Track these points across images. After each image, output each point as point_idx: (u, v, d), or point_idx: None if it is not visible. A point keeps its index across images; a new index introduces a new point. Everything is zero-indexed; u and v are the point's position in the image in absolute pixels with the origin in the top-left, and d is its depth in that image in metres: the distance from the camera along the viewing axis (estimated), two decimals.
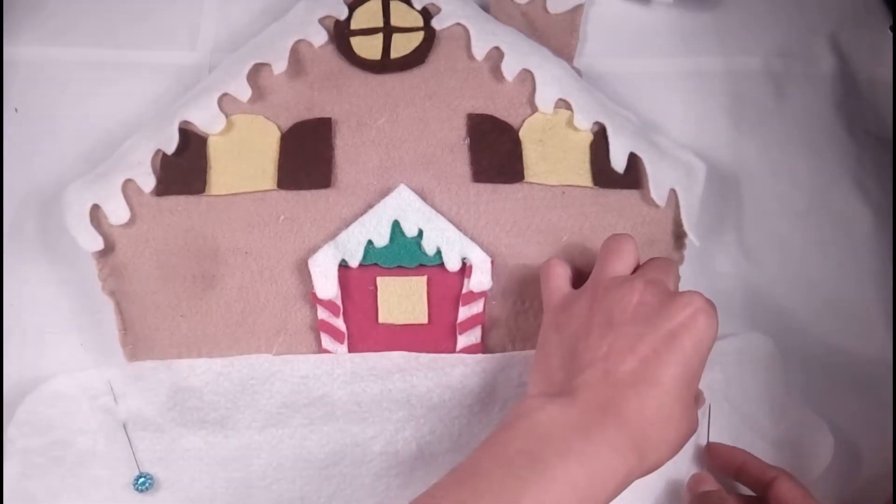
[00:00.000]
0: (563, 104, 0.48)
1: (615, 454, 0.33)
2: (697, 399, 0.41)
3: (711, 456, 0.42)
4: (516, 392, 0.43)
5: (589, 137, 0.47)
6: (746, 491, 0.42)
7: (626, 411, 0.34)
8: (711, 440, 0.43)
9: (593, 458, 0.33)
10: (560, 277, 0.41)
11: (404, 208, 0.45)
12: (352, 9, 0.50)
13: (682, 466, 0.43)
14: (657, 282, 0.38)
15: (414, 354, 0.43)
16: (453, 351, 0.44)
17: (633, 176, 0.47)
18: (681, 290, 0.45)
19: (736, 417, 0.44)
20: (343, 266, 0.44)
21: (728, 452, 0.42)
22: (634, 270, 0.40)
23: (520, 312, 0.44)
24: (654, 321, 0.36)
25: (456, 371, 0.43)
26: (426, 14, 0.50)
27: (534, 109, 0.48)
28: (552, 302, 0.41)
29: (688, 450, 0.42)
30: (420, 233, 0.44)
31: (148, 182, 0.45)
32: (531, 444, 0.33)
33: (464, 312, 0.44)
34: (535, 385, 0.38)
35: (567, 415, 0.34)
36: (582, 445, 0.33)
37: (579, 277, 0.42)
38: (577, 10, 0.53)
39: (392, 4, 0.51)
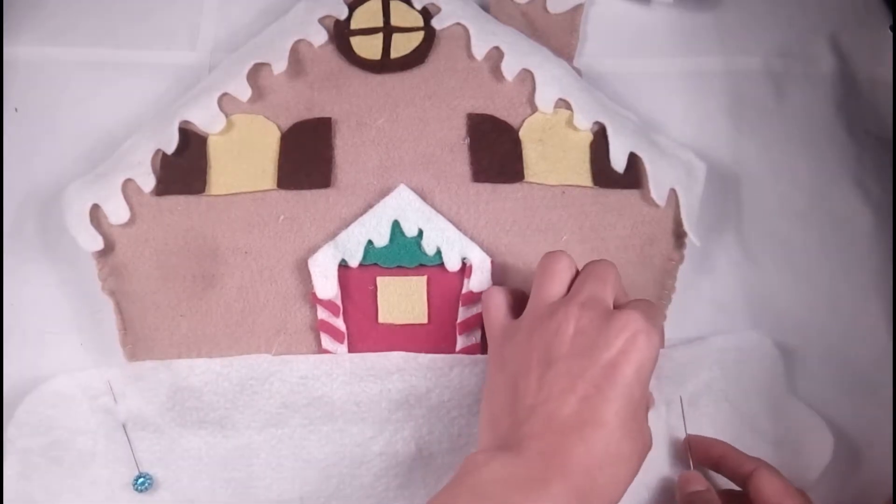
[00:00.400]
0: (563, 104, 0.48)
1: None
2: (647, 406, 0.41)
3: (691, 449, 0.42)
4: None
5: (589, 137, 0.47)
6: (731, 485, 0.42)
7: (571, 459, 0.33)
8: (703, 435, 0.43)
9: None
10: (499, 308, 0.41)
11: (404, 208, 0.45)
12: (352, 9, 0.51)
13: (663, 465, 0.43)
14: (592, 302, 0.37)
15: (412, 354, 0.43)
16: (453, 351, 0.43)
17: (633, 175, 0.47)
18: (676, 289, 0.46)
19: (736, 417, 0.44)
20: (343, 266, 0.44)
21: (706, 444, 0.42)
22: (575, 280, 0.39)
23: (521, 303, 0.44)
24: (592, 352, 0.35)
25: (454, 371, 0.43)
26: (426, 14, 0.50)
27: (534, 109, 0.48)
28: (492, 335, 0.40)
29: (668, 448, 0.43)
30: (420, 233, 0.44)
31: (148, 182, 0.45)
32: (474, 503, 0.33)
33: (464, 312, 0.44)
34: (483, 433, 0.38)
35: (510, 471, 0.34)
36: (525, 502, 0.32)
37: (523, 303, 0.41)
38: (577, 10, 0.53)
39: (392, 4, 0.51)
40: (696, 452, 0.42)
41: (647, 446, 0.36)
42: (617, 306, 0.38)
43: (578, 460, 0.33)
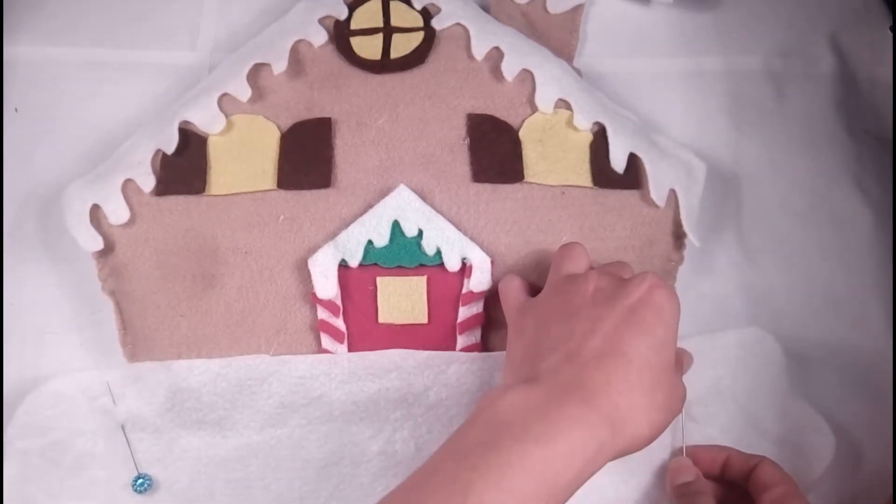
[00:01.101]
0: (563, 104, 0.48)
1: (580, 430, 0.33)
2: (682, 362, 0.41)
3: (694, 459, 0.42)
4: None
5: (589, 137, 0.47)
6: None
7: (589, 386, 0.34)
8: (718, 439, 0.43)
9: (555, 437, 0.32)
10: (518, 289, 0.42)
11: (404, 208, 0.45)
12: (352, 9, 0.50)
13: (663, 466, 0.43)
14: (610, 272, 0.39)
15: (410, 352, 0.43)
16: (453, 350, 0.43)
17: (633, 176, 0.47)
18: (676, 289, 0.46)
19: (741, 417, 0.44)
20: (343, 266, 0.44)
21: (711, 452, 0.42)
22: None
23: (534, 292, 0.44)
24: (612, 302, 0.36)
25: (452, 369, 0.43)
26: (426, 14, 0.50)
27: (534, 109, 0.48)
28: (511, 312, 0.41)
29: (671, 451, 0.43)
30: (420, 233, 0.44)
31: (148, 182, 0.45)
32: (489, 433, 0.33)
33: (464, 312, 0.44)
34: (503, 381, 0.39)
35: (528, 399, 0.34)
36: (542, 426, 0.33)
37: (538, 291, 0.42)
38: (577, 10, 0.53)
39: (392, 4, 0.51)
40: (703, 463, 0.42)
41: (676, 390, 0.37)
42: None
43: (597, 387, 0.34)
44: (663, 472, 0.42)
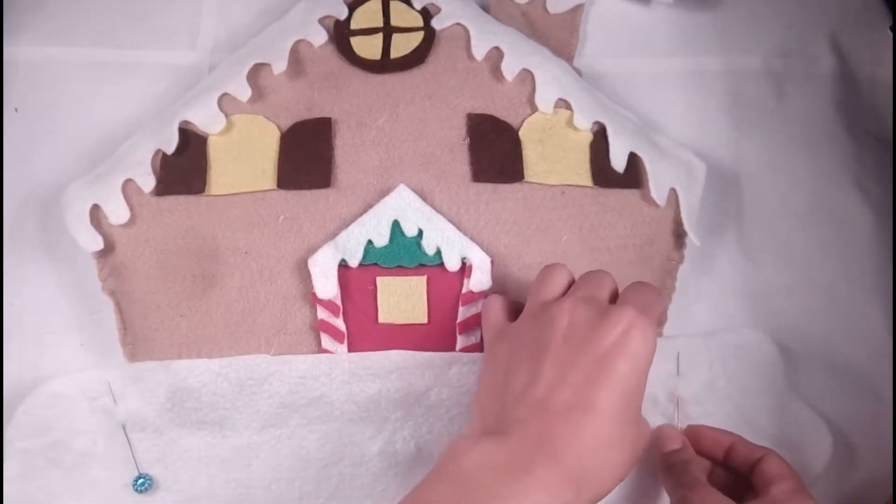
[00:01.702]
0: (563, 104, 0.48)
1: (545, 493, 0.32)
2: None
3: (698, 439, 0.42)
4: None
5: (589, 137, 0.47)
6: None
7: (559, 443, 0.33)
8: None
9: (520, 501, 0.32)
10: (497, 311, 0.41)
11: (404, 208, 0.45)
12: (352, 9, 0.50)
13: None
14: (587, 298, 0.37)
15: (411, 353, 0.43)
16: (453, 350, 0.43)
17: (633, 175, 0.47)
18: (676, 289, 0.46)
19: (737, 416, 0.44)
20: (343, 266, 0.44)
21: (715, 435, 0.42)
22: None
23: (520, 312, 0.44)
24: (585, 344, 0.35)
25: (453, 370, 0.43)
26: (426, 14, 0.50)
27: (534, 109, 0.48)
28: (489, 335, 0.41)
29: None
30: (420, 232, 0.44)
31: (148, 182, 0.45)
32: (453, 493, 0.32)
33: (464, 312, 0.44)
34: (472, 421, 0.37)
35: (495, 456, 0.33)
36: (508, 489, 0.32)
37: (521, 310, 0.40)
38: (577, 10, 0.53)
39: (392, 4, 0.51)
40: (704, 442, 0.42)
41: (642, 437, 0.35)
42: (621, 294, 0.38)
43: (566, 444, 0.33)
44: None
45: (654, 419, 0.44)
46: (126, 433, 0.42)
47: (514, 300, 0.42)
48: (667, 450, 0.41)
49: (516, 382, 0.35)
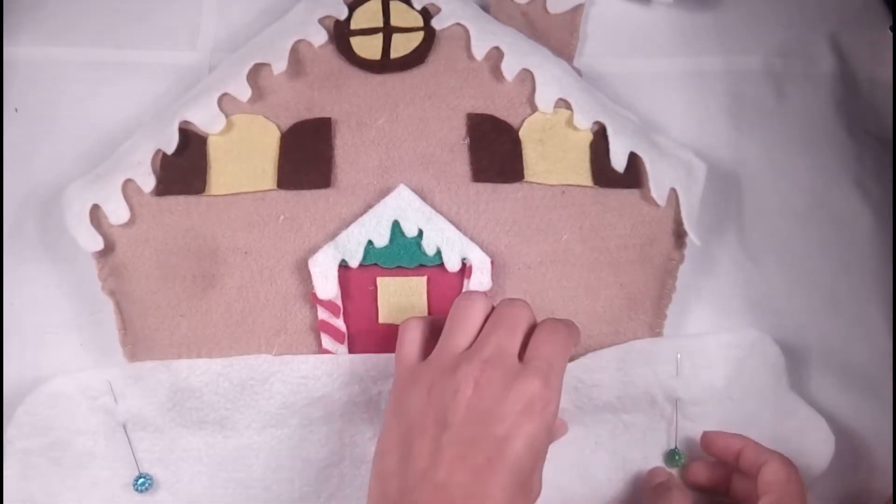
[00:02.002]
0: (563, 104, 0.48)
1: None
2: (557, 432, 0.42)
3: (709, 443, 0.42)
4: None
5: (589, 137, 0.47)
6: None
7: None
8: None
9: None
10: (411, 344, 0.39)
11: (404, 208, 0.45)
12: (352, 9, 0.50)
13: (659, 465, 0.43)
14: (496, 358, 0.36)
15: None
16: None
17: (634, 175, 0.47)
18: (677, 288, 0.46)
19: (738, 416, 0.44)
20: (343, 266, 0.44)
21: (726, 440, 0.42)
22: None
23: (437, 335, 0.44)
24: (487, 422, 0.34)
25: None
26: (426, 14, 0.50)
27: (534, 109, 0.48)
28: (398, 374, 0.39)
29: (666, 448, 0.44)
30: (420, 233, 0.44)
31: (148, 182, 0.45)
32: None
33: None
34: (373, 486, 0.37)
35: None
36: None
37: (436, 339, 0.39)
38: (577, 10, 0.53)
39: (392, 4, 0.51)
40: (714, 446, 0.42)
41: (534, 496, 0.36)
42: (532, 339, 0.37)
43: None
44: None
45: (653, 420, 0.44)
46: (126, 433, 0.42)
47: (435, 320, 0.40)
48: (657, 482, 0.41)
49: (419, 459, 0.35)
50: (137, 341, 0.44)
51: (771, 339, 0.45)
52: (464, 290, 0.44)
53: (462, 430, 0.35)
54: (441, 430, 0.35)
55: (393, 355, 0.42)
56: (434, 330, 0.40)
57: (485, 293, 0.38)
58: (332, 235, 0.44)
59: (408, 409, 0.36)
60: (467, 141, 0.47)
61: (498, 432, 0.34)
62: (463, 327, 0.38)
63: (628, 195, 0.47)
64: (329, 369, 0.42)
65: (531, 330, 0.38)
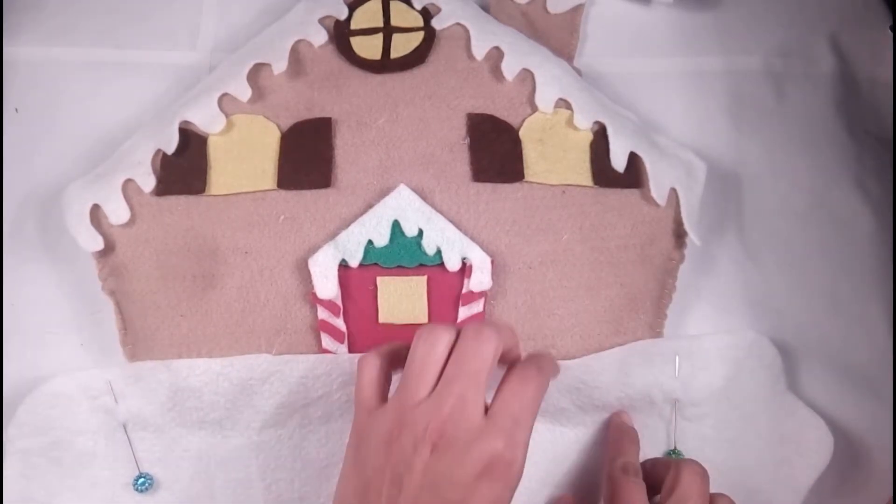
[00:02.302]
0: (563, 104, 0.48)
1: None
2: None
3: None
4: None
5: (589, 137, 0.47)
6: None
7: None
8: (712, 439, 0.43)
9: None
10: (370, 384, 0.37)
11: (404, 208, 0.45)
12: (352, 9, 0.50)
13: None
14: (457, 416, 0.34)
15: None
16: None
17: (634, 175, 0.47)
18: (677, 288, 0.46)
19: (736, 417, 0.44)
20: (343, 266, 0.44)
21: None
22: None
23: (520, 312, 0.44)
24: (444, 488, 0.33)
25: None
26: (426, 14, 0.50)
27: (534, 109, 0.48)
28: (357, 419, 0.37)
29: (664, 449, 0.44)
30: (420, 232, 0.44)
31: (148, 182, 0.45)
32: None
33: (464, 312, 0.44)
34: None
35: None
36: None
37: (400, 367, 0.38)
38: (577, 9, 0.53)
39: (392, 4, 0.51)
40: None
41: None
42: (500, 390, 0.36)
43: None
44: None
45: (652, 422, 0.44)
46: (127, 432, 0.42)
47: (395, 350, 0.39)
48: (622, 461, 0.41)
49: None
50: (137, 341, 0.44)
51: (768, 340, 0.45)
52: (464, 290, 0.44)
53: (418, 496, 0.33)
54: (397, 491, 0.34)
55: None
56: (395, 361, 0.38)
57: (447, 325, 0.37)
58: (332, 235, 0.44)
59: (366, 462, 0.35)
60: (467, 141, 0.47)
61: (454, 498, 0.33)
62: (423, 374, 0.36)
63: (628, 195, 0.47)
64: (328, 369, 0.42)
65: (509, 357, 0.37)
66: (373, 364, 0.38)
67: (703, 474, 0.39)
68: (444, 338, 0.36)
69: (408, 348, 0.37)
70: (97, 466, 0.42)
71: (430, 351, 0.36)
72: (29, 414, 0.42)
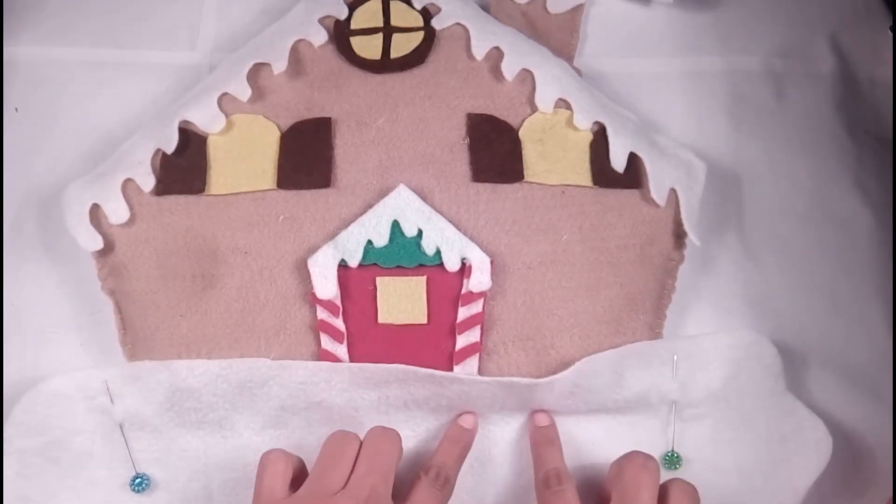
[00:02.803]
0: (563, 104, 0.48)
1: None
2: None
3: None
4: (514, 404, 0.43)
5: (589, 137, 0.47)
6: None
7: None
8: (711, 440, 0.43)
9: None
10: (274, 477, 0.37)
11: (404, 208, 0.45)
12: (352, 9, 0.51)
13: None
14: None
15: (412, 369, 0.42)
16: (452, 350, 0.43)
17: (634, 175, 0.47)
18: (676, 289, 0.46)
19: (734, 417, 0.44)
20: (342, 266, 0.44)
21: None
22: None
23: (519, 312, 0.44)
24: None
25: (454, 386, 0.42)
26: (426, 14, 0.51)
27: (533, 109, 0.48)
28: None
29: (662, 450, 0.43)
30: (419, 232, 0.44)
31: (148, 182, 0.45)
32: None
33: (463, 312, 0.44)
34: None
35: None
36: None
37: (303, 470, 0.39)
38: (577, 9, 0.53)
39: (392, 4, 0.51)
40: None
41: None
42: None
43: None
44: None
45: (650, 423, 0.44)
46: (123, 433, 0.42)
47: (295, 457, 0.39)
48: (541, 425, 0.42)
49: None
50: (137, 341, 0.44)
51: (767, 341, 0.44)
52: (463, 290, 0.44)
53: None
54: None
55: (391, 366, 0.42)
56: (296, 462, 0.39)
57: (355, 434, 0.39)
58: (332, 235, 0.44)
59: None
60: (467, 141, 0.47)
61: None
62: (337, 468, 0.37)
63: (628, 195, 0.47)
64: (327, 376, 0.42)
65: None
66: (278, 458, 0.38)
67: (646, 465, 0.38)
68: (354, 439, 0.39)
69: (304, 465, 0.39)
70: (94, 466, 0.42)
71: (343, 447, 0.38)
72: (26, 413, 0.41)
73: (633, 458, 0.39)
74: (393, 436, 0.39)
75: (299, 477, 0.38)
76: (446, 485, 0.39)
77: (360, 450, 0.38)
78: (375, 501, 0.36)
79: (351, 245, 0.44)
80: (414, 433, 0.43)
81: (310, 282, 0.44)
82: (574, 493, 0.39)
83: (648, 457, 0.39)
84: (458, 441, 0.42)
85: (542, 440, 0.42)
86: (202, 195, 0.46)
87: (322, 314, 0.43)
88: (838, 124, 0.52)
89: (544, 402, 0.43)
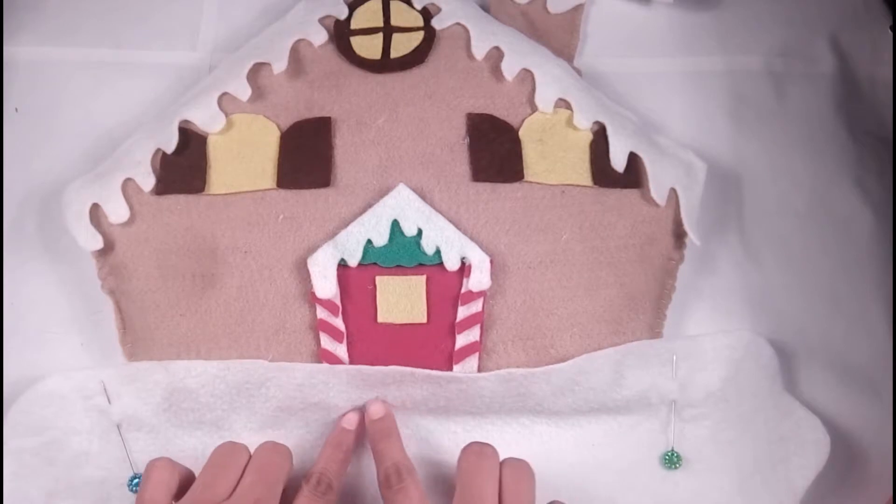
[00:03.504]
0: (563, 104, 0.48)
1: None
2: None
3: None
4: (513, 403, 0.43)
5: (589, 137, 0.47)
6: None
7: None
8: (710, 440, 0.43)
9: None
10: (158, 486, 0.37)
11: (403, 207, 0.45)
12: (352, 8, 0.51)
13: (654, 467, 0.43)
14: None
15: (409, 370, 0.42)
16: (452, 350, 0.43)
17: (634, 175, 0.47)
18: (676, 289, 0.46)
19: (733, 417, 0.44)
20: (342, 265, 0.44)
21: None
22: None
23: (519, 311, 0.44)
24: None
25: (452, 385, 0.42)
26: (426, 14, 0.51)
27: (533, 109, 0.48)
28: None
29: (661, 450, 0.43)
30: (419, 232, 0.44)
31: (148, 181, 0.45)
32: None
33: (463, 312, 0.44)
34: None
35: None
36: None
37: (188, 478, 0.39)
38: (578, 9, 0.53)
39: (392, 4, 0.51)
40: None
41: None
42: None
43: None
44: (656, 470, 0.43)
45: (649, 423, 0.44)
46: (121, 433, 0.42)
47: (182, 467, 0.39)
48: (375, 418, 0.41)
49: None
50: (137, 340, 0.44)
51: (764, 341, 0.44)
52: (463, 289, 0.44)
53: None
54: None
55: (389, 368, 0.42)
56: (182, 472, 0.39)
57: (244, 446, 0.39)
58: (332, 234, 0.44)
59: None
60: (467, 140, 0.47)
61: None
62: (222, 477, 0.37)
63: (628, 195, 0.47)
64: (325, 378, 0.42)
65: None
66: (163, 467, 0.38)
67: (482, 451, 0.38)
68: (243, 450, 0.39)
69: (192, 474, 0.39)
70: (92, 467, 0.42)
71: (231, 457, 0.38)
72: (23, 413, 0.42)
73: (469, 447, 0.39)
74: (283, 451, 0.39)
75: (186, 486, 0.38)
76: (329, 491, 0.39)
77: (248, 462, 0.38)
78: None
79: (351, 244, 0.44)
80: (413, 433, 0.43)
81: (309, 281, 0.44)
82: (417, 487, 0.38)
83: (484, 444, 0.39)
84: (340, 445, 0.41)
85: (377, 434, 0.41)
86: (202, 195, 0.46)
87: (322, 313, 0.43)
88: (838, 124, 0.52)
89: (543, 399, 0.43)
